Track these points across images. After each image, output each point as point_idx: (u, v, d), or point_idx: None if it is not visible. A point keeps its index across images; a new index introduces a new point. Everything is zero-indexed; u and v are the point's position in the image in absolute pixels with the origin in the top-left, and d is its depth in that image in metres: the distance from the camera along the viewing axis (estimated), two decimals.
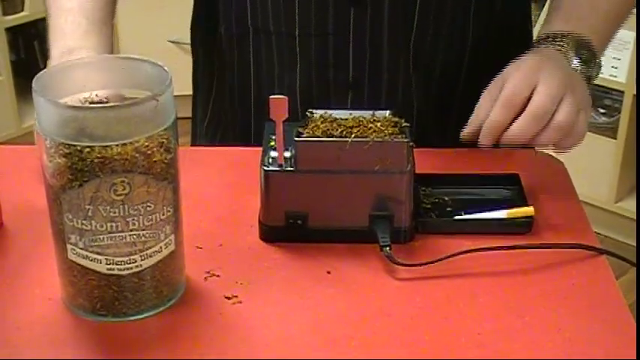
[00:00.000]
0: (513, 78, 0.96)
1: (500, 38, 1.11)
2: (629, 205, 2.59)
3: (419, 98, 1.11)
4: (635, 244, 2.51)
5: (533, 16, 1.22)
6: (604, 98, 2.57)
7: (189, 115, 1.27)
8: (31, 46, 3.08)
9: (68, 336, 0.81)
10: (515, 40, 1.12)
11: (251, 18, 1.09)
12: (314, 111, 0.93)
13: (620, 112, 2.51)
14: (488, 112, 0.97)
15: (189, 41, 1.25)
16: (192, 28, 1.23)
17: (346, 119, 0.91)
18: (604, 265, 0.91)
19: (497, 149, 1.11)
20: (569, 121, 0.96)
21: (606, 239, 2.50)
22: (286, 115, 0.89)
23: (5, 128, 2.94)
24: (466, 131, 1.00)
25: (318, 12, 1.05)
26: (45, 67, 0.87)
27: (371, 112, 0.92)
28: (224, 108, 1.20)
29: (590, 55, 1.01)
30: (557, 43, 1.01)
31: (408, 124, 0.91)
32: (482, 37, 1.10)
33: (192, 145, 1.26)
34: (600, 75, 2.62)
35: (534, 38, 1.06)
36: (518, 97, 0.95)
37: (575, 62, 1.00)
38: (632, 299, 2.02)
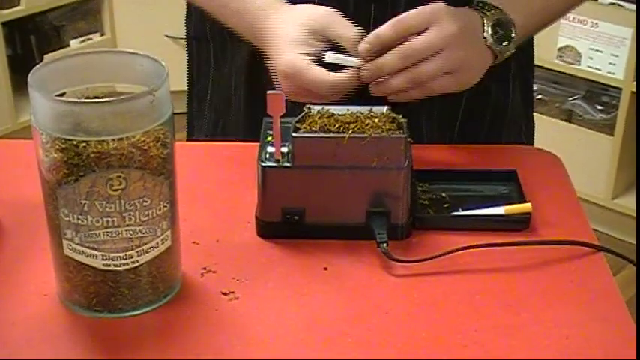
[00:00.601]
0: (427, 38, 0.96)
1: None
2: (626, 202, 2.59)
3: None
4: (631, 240, 2.51)
5: None
6: (601, 95, 2.57)
7: (185, 110, 1.26)
8: (27, 41, 3.07)
9: (64, 332, 0.81)
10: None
11: None
12: (311, 106, 0.92)
13: (617, 109, 2.51)
14: (392, 40, 0.97)
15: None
16: (187, 20, 1.22)
17: (344, 115, 0.91)
18: (601, 262, 0.90)
19: (496, 146, 1.11)
20: (431, 76, 0.97)
21: (603, 236, 2.50)
22: (283, 111, 0.89)
23: (1, 123, 2.93)
24: (364, 46, 0.98)
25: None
26: (42, 61, 0.87)
27: (368, 107, 0.92)
28: (225, 102, 1.19)
29: (505, 36, 1.02)
30: (484, 10, 1.02)
31: (406, 120, 0.91)
32: None
33: (188, 140, 1.26)
34: (597, 71, 2.62)
35: None
36: (410, 25, 0.96)
37: (486, 35, 1.01)
38: (628, 296, 2.02)
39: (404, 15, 0.96)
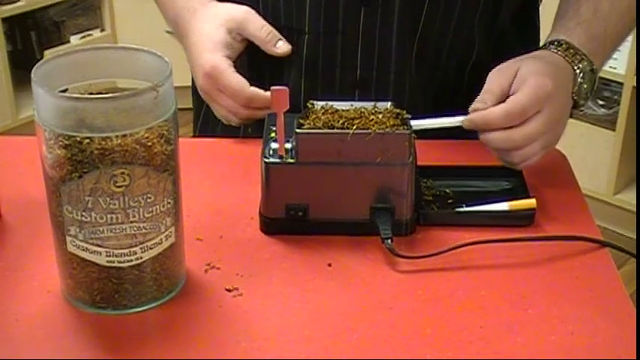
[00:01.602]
0: (528, 90, 0.93)
1: (507, 46, 1.11)
2: (627, 197, 2.58)
3: (424, 98, 1.10)
4: (633, 235, 2.50)
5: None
6: (603, 90, 2.57)
7: (189, 105, 1.26)
8: (27, 37, 3.07)
9: (68, 329, 0.81)
10: (525, 48, 1.10)
11: (262, 13, 1.08)
12: (315, 102, 0.92)
13: (619, 104, 2.50)
14: (497, 98, 0.95)
15: None
16: None
17: (347, 110, 0.90)
18: (606, 258, 0.90)
19: None
20: (531, 156, 0.96)
21: (605, 231, 2.50)
22: (287, 106, 0.88)
23: (2, 119, 2.93)
24: (468, 124, 0.96)
25: (328, 10, 1.04)
26: (42, 58, 0.86)
27: (372, 103, 0.91)
28: None
29: (590, 87, 1.01)
30: (576, 60, 0.99)
31: (410, 116, 0.90)
32: (488, 44, 1.10)
33: (193, 137, 1.25)
34: None
35: (549, 38, 1.04)
36: (524, 115, 0.93)
37: (577, 87, 0.99)
38: (630, 291, 2.02)
39: (520, 108, 0.92)
